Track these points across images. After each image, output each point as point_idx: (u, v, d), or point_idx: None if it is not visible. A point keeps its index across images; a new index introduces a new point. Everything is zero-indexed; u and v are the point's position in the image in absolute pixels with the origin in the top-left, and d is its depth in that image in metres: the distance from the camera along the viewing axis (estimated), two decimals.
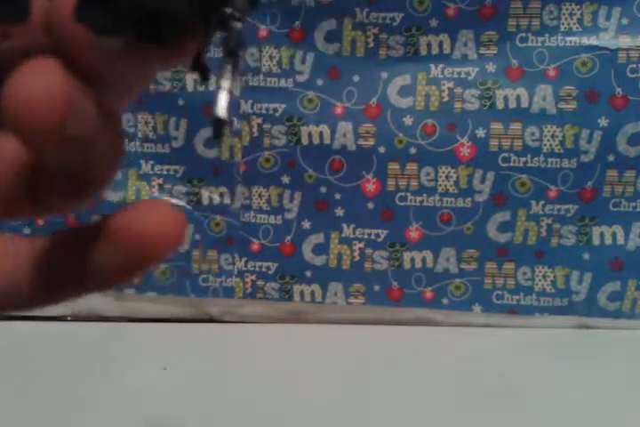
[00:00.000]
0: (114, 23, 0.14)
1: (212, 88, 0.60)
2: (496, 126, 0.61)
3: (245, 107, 0.61)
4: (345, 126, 0.62)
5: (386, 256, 0.64)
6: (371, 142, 0.62)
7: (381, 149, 0.62)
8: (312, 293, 0.65)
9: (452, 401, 0.49)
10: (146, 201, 0.15)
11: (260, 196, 0.63)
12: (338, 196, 0.63)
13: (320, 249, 0.64)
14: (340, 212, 0.63)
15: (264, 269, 0.65)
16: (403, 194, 0.63)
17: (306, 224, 0.64)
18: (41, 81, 0.13)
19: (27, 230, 0.63)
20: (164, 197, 0.63)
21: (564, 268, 0.64)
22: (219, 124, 0.17)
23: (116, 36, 0.14)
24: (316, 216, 0.63)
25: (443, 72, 0.61)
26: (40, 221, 0.62)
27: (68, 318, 0.64)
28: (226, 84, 0.17)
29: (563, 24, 0.59)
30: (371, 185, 0.63)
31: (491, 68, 0.60)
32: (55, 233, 0.17)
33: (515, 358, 0.56)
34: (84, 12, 0.14)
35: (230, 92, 0.17)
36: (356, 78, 0.61)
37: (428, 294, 0.64)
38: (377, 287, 0.65)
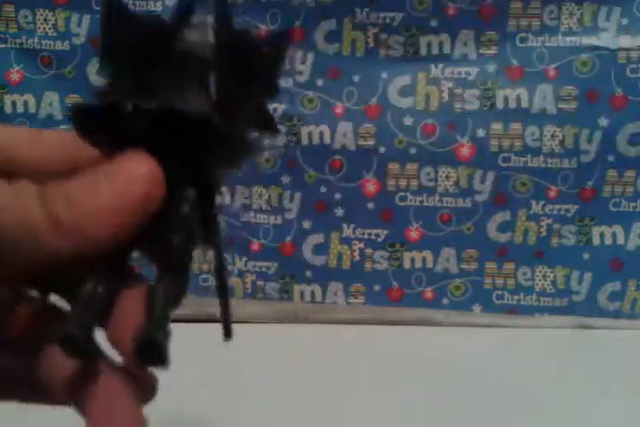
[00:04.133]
0: None
1: None
2: (496, 126, 0.61)
3: None
4: (345, 126, 0.61)
5: (386, 256, 0.64)
6: (371, 142, 0.62)
7: (381, 149, 0.62)
8: (312, 293, 0.65)
9: (452, 401, 0.49)
10: None
11: (259, 196, 0.63)
12: (338, 196, 0.63)
13: (320, 249, 0.64)
14: (339, 212, 0.63)
15: (264, 269, 0.65)
16: (403, 194, 0.63)
17: (306, 224, 0.64)
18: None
19: None
20: None
21: (564, 268, 0.64)
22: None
23: None
24: (316, 216, 0.63)
25: (443, 72, 0.61)
26: None
27: None
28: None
29: (563, 24, 0.59)
30: (371, 185, 0.63)
31: (491, 68, 0.60)
32: None
33: (515, 358, 0.56)
34: None
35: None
36: (355, 78, 0.61)
37: (428, 293, 0.64)
38: (377, 287, 0.64)
